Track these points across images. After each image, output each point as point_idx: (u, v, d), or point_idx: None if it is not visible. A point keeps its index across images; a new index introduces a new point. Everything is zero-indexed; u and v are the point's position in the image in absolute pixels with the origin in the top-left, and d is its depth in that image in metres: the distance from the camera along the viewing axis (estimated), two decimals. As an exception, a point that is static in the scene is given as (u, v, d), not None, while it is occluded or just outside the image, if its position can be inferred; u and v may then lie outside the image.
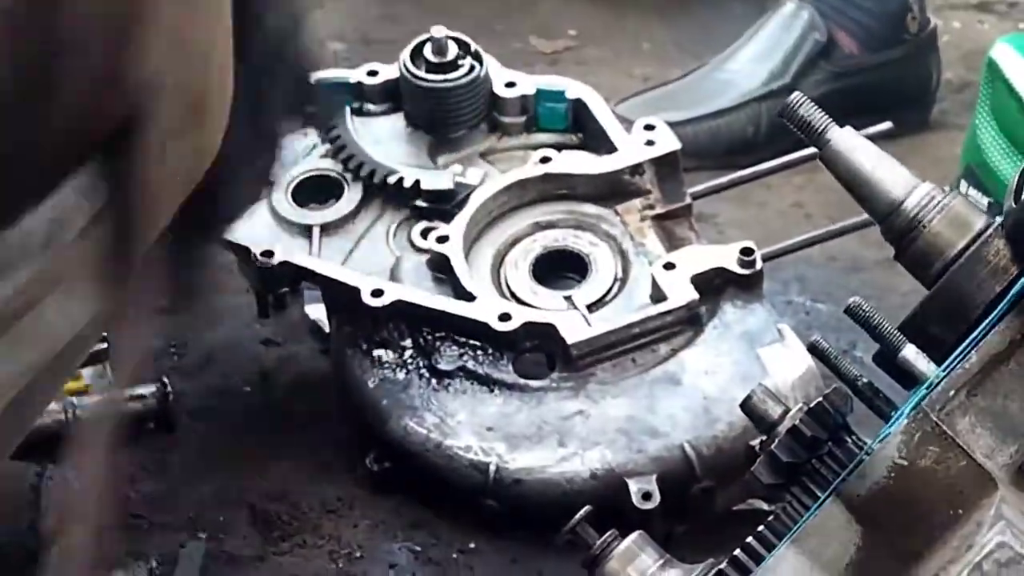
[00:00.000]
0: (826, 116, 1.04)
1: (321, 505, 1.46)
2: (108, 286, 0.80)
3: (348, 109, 1.62)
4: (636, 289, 1.50)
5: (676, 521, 1.39)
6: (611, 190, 1.56)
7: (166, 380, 1.53)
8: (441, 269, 1.50)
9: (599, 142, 1.59)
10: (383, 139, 1.61)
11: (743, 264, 1.48)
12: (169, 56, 0.72)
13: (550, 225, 1.56)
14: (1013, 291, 0.85)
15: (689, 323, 1.47)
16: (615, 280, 1.52)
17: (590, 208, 1.57)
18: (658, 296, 1.47)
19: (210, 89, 0.78)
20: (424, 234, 1.51)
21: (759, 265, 1.49)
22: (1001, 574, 0.64)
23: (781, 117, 1.05)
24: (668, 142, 1.57)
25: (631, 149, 1.56)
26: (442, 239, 1.49)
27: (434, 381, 1.46)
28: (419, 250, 1.51)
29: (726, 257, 1.49)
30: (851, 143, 1.03)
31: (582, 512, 1.03)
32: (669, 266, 1.48)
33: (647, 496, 1.37)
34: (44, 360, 0.79)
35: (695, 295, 1.46)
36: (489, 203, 1.53)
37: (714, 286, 1.48)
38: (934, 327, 0.93)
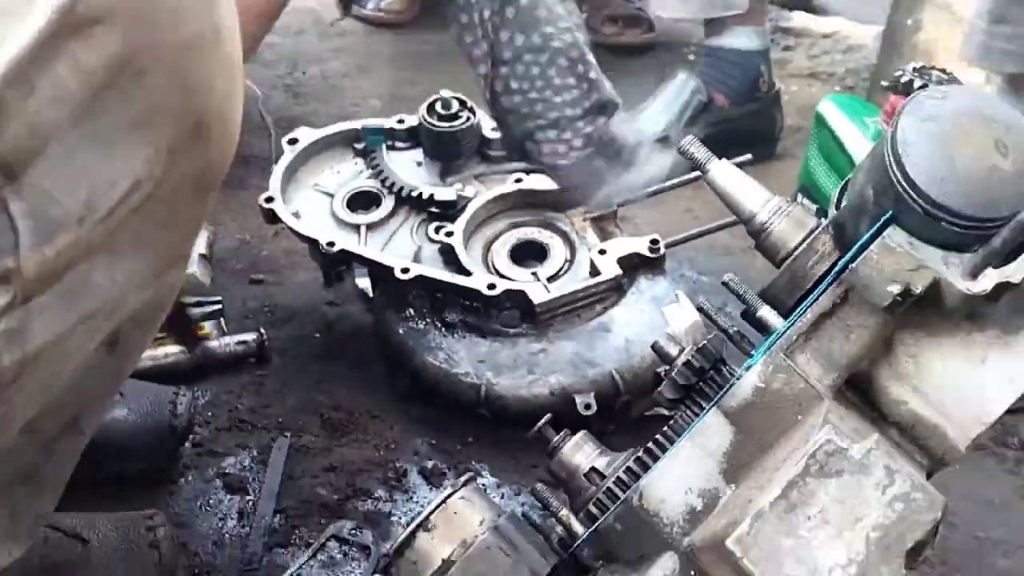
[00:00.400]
0: (708, 152, 1.04)
1: (367, 413, 1.45)
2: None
3: (384, 146, 1.61)
4: (579, 267, 1.50)
5: (607, 423, 1.38)
6: (563, 201, 1.55)
7: (262, 330, 1.53)
8: (448, 254, 1.49)
9: None
10: (408, 166, 1.59)
11: (651, 250, 1.48)
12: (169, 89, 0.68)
13: (522, 224, 1.55)
14: (835, 270, 0.84)
15: (615, 290, 1.47)
16: (565, 261, 1.51)
17: (548, 213, 1.56)
18: (594, 272, 1.47)
19: (209, 114, 0.72)
20: (436, 230, 1.49)
21: (663, 251, 1.49)
22: (828, 460, 0.64)
23: (679, 153, 1.06)
24: None
25: None
26: (449, 234, 1.48)
27: (443, 329, 1.46)
28: (433, 241, 1.50)
29: (640, 245, 1.49)
30: (724, 170, 1.02)
31: (544, 419, 1.01)
32: (602, 252, 1.48)
33: (587, 407, 1.38)
34: (91, 310, 0.73)
35: (619, 271, 1.46)
36: (480, 210, 1.53)
37: (632, 265, 1.48)
38: (781, 294, 0.93)
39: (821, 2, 3.04)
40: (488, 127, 1.60)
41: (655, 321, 1.45)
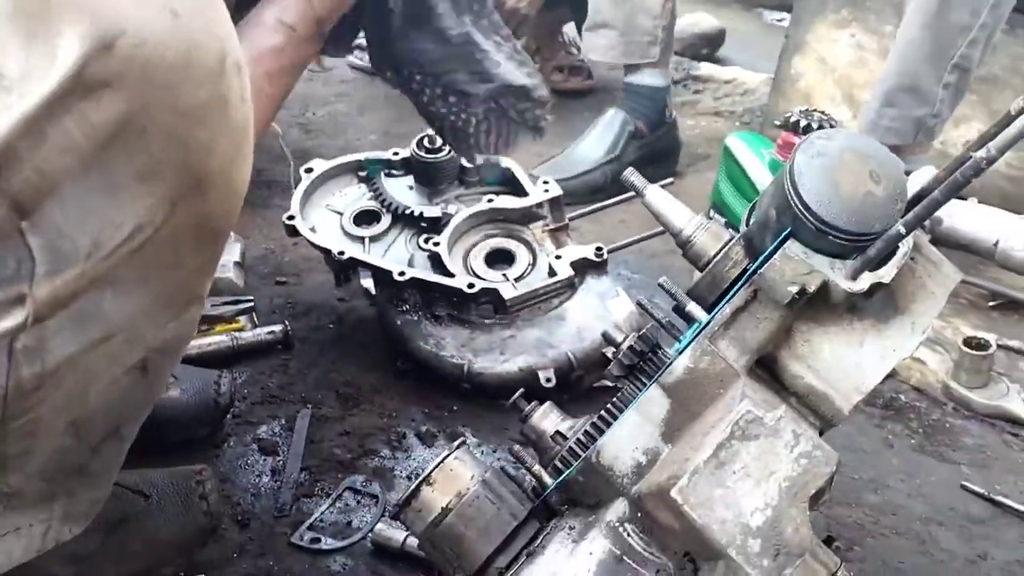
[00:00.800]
0: (645, 180, 1.04)
1: (373, 388, 1.44)
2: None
3: (382, 173, 1.60)
4: (540, 269, 1.50)
5: (564, 394, 1.38)
6: (526, 216, 1.55)
7: (286, 322, 1.51)
8: (435, 260, 1.48)
9: (519, 190, 1.57)
10: (402, 189, 1.59)
11: (596, 255, 1.48)
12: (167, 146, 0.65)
13: (493, 235, 1.54)
14: (747, 275, 0.85)
15: (569, 287, 1.47)
16: (529, 264, 1.50)
17: (515, 226, 1.55)
18: (552, 273, 1.47)
19: (210, 173, 0.68)
20: (426, 241, 1.48)
21: (605, 256, 1.49)
22: (748, 427, 0.64)
23: (621, 180, 1.06)
24: (555, 190, 1.56)
25: (536, 194, 1.55)
26: (436, 244, 1.47)
27: (433, 320, 1.45)
28: (423, 250, 1.49)
29: (587, 251, 1.49)
30: (657, 194, 1.02)
31: (518, 393, 1.00)
32: (558, 257, 1.48)
33: (548, 380, 1.38)
34: (104, 334, 0.69)
35: (572, 272, 1.47)
36: (461, 224, 1.51)
37: (581, 267, 1.48)
38: (704, 293, 0.93)
39: (724, 54, 3.06)
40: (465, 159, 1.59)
41: (600, 312, 1.45)
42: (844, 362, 0.83)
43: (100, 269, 0.65)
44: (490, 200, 1.55)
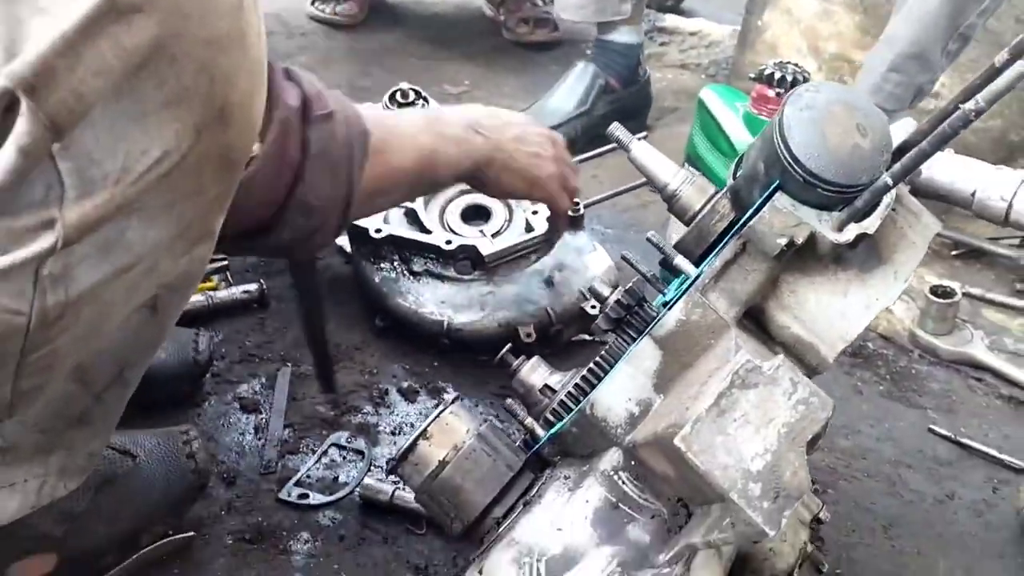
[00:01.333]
0: (630, 134, 1.05)
1: (352, 346, 1.44)
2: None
3: None
4: (517, 225, 1.49)
5: (543, 348, 1.39)
6: None
7: (261, 281, 1.50)
8: (411, 216, 1.47)
9: None
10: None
11: (573, 210, 1.47)
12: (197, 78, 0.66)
13: (469, 191, 1.51)
14: (736, 228, 0.87)
15: (547, 243, 1.47)
16: (505, 220, 1.50)
17: None
18: (529, 228, 1.47)
19: (232, 103, 0.69)
20: None
21: (582, 210, 1.49)
22: (747, 376, 0.66)
23: (606, 136, 1.06)
24: None
25: None
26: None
27: (411, 277, 1.45)
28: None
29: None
30: (642, 149, 1.03)
31: (505, 348, 1.02)
32: (535, 212, 1.48)
33: (528, 335, 1.38)
34: (126, 264, 0.69)
35: (547, 226, 1.46)
36: (436, 180, 1.50)
37: (559, 223, 1.44)
38: (691, 246, 0.94)
39: (688, 6, 3.05)
40: None
41: (578, 266, 1.46)
42: (829, 312, 0.86)
43: (128, 194, 0.65)
44: None
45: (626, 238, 1.80)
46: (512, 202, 1.53)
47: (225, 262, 1.52)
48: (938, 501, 1.24)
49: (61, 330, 0.68)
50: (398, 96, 1.55)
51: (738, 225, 0.86)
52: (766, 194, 0.84)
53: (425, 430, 0.87)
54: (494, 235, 1.47)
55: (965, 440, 1.33)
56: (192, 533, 1.08)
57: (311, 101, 0.92)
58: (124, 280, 0.71)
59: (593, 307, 1.42)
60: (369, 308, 1.48)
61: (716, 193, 0.98)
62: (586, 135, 2.11)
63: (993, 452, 1.31)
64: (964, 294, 1.54)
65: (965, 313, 1.56)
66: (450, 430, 0.87)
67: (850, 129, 0.82)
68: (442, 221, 1.50)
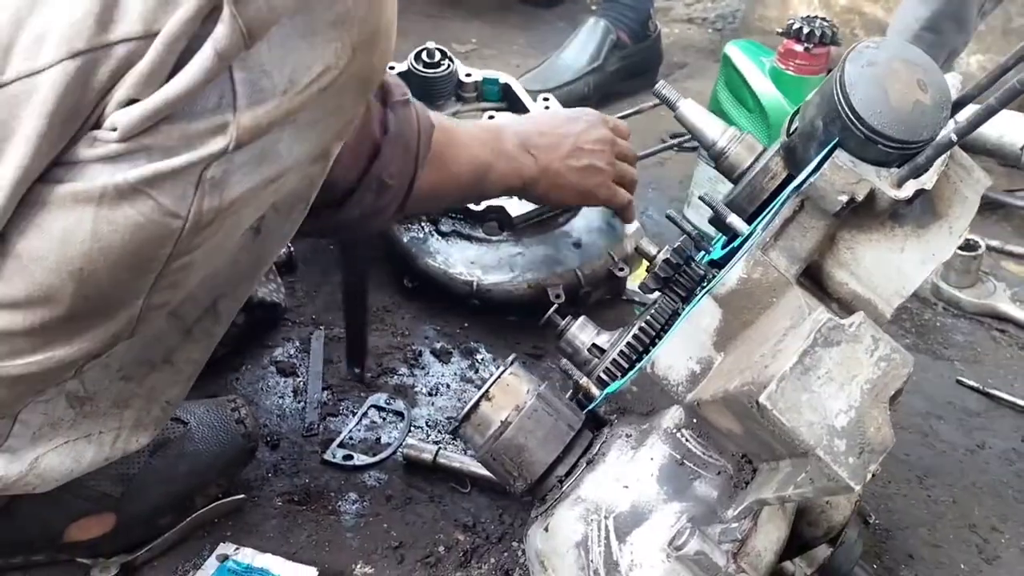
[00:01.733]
0: (678, 93, 1.04)
1: (383, 306, 1.43)
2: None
3: None
4: None
5: (572, 307, 1.37)
6: None
7: (289, 244, 1.48)
8: None
9: (517, 106, 1.54)
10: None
11: (619, 271, 1.42)
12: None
13: None
14: (795, 185, 0.86)
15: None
16: None
17: None
18: None
19: (382, 27, 0.73)
20: None
21: (626, 272, 1.43)
22: (830, 334, 0.66)
23: (653, 94, 1.05)
24: (555, 105, 1.54)
25: (536, 109, 1.52)
26: None
27: (440, 238, 1.43)
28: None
29: None
30: (690, 107, 1.03)
31: (552, 308, 1.01)
32: None
33: (558, 296, 1.37)
34: (273, 175, 0.73)
35: None
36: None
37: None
38: (743, 204, 0.95)
39: (693, -41, 3.01)
40: (463, 73, 1.55)
41: (604, 228, 1.45)
42: (886, 268, 0.86)
43: (293, 104, 0.69)
44: (491, 116, 1.51)
45: (646, 196, 1.79)
46: None
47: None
48: (969, 451, 1.26)
49: (205, 239, 0.71)
50: (424, 56, 1.53)
51: (798, 182, 0.85)
52: (825, 151, 0.83)
53: (487, 392, 0.87)
54: None
55: (993, 391, 1.34)
56: (243, 496, 1.08)
57: (390, 87, 0.99)
58: (268, 191, 0.73)
59: (621, 270, 1.43)
60: (398, 269, 1.47)
61: (765, 151, 0.98)
62: (598, 91, 2.10)
63: (1020, 402, 1.33)
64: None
65: (985, 266, 1.57)
66: (511, 391, 0.87)
67: (911, 85, 0.82)
68: None
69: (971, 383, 1.36)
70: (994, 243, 1.65)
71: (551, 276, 1.40)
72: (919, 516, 1.15)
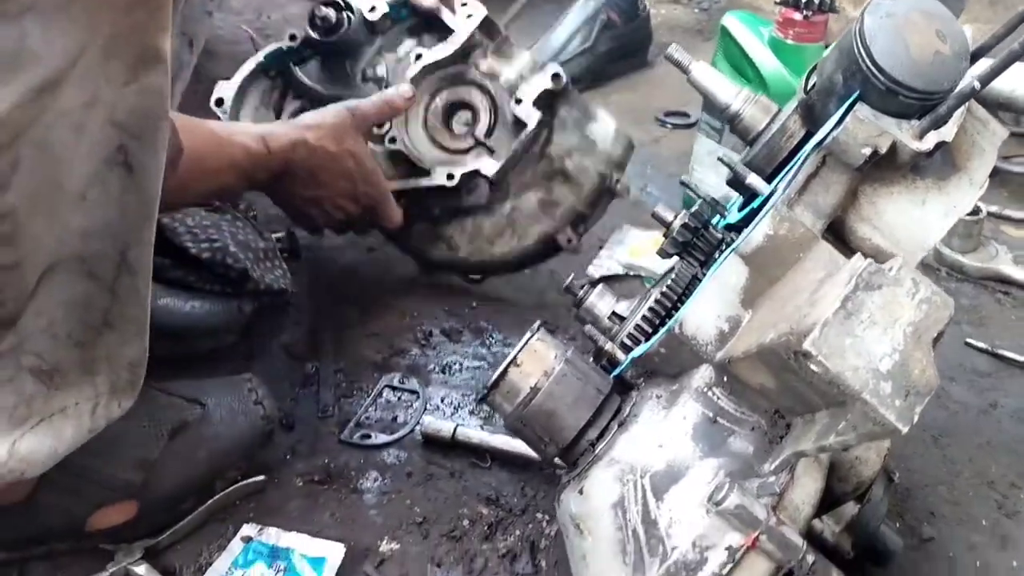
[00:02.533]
0: (690, 56, 1.03)
1: (391, 291, 1.43)
2: None
3: (292, 66, 1.40)
4: (505, 114, 1.35)
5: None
6: (464, 52, 1.38)
7: (292, 229, 1.48)
8: (397, 156, 1.36)
9: (439, 26, 1.40)
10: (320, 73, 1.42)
11: (555, 84, 1.34)
12: None
13: (440, 90, 1.38)
14: (817, 140, 0.85)
15: (544, 127, 1.36)
16: (489, 111, 1.36)
17: (456, 68, 1.38)
18: (518, 124, 1.34)
19: None
20: (380, 140, 1.35)
21: (564, 79, 1.34)
22: (871, 278, 0.65)
23: (666, 58, 1.04)
24: (479, 10, 1.38)
25: (463, 27, 1.37)
26: (392, 140, 1.34)
27: (433, 223, 1.40)
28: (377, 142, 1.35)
29: (545, 82, 1.33)
30: (703, 70, 1.02)
31: (570, 277, 1.01)
32: (518, 101, 1.32)
33: (569, 240, 1.36)
34: (43, 82, 0.63)
35: (539, 113, 1.32)
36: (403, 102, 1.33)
37: (547, 103, 1.35)
38: (762, 164, 0.95)
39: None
40: (366, 9, 1.38)
41: (584, 143, 1.36)
42: (908, 221, 0.86)
43: None
44: (418, 57, 1.37)
45: (644, 174, 1.79)
46: (490, 85, 1.37)
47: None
48: (982, 411, 1.26)
49: (8, 181, 0.63)
50: (318, 21, 1.36)
51: (821, 137, 0.85)
52: (846, 104, 0.83)
53: (515, 358, 0.86)
54: (487, 135, 1.35)
55: (1001, 351, 1.35)
56: (263, 477, 1.07)
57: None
58: (56, 111, 0.64)
59: (617, 181, 1.37)
60: (398, 253, 1.46)
61: (780, 111, 0.97)
62: (590, 72, 2.10)
63: (1029, 362, 1.33)
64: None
65: (987, 231, 1.58)
66: (539, 357, 0.86)
67: (930, 36, 0.81)
68: (433, 142, 1.38)
69: (979, 344, 1.36)
70: (992, 208, 1.66)
71: (553, 222, 1.36)
72: (937, 475, 1.15)
